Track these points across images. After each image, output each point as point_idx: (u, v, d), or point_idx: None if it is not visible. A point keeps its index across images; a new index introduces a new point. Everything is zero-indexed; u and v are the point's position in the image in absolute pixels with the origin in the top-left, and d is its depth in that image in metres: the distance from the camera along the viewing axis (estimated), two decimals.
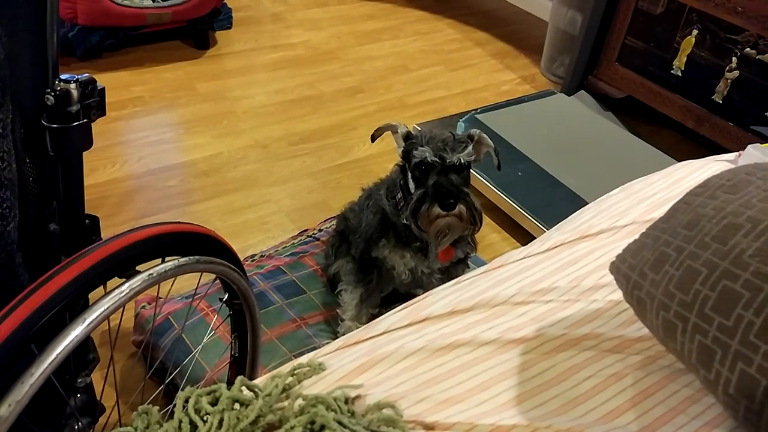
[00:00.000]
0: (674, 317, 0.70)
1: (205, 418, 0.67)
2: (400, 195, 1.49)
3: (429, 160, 1.36)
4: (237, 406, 0.69)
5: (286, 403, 0.71)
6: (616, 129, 2.71)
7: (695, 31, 2.50)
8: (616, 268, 0.83)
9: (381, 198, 1.55)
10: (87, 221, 1.02)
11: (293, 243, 1.96)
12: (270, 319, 1.64)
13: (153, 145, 2.45)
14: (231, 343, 1.25)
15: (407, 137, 1.45)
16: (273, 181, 2.34)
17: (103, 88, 0.96)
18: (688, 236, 0.72)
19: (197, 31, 3.04)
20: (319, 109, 2.78)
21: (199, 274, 1.08)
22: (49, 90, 0.89)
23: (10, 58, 0.87)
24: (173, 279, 1.00)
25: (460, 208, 1.35)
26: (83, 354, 1.10)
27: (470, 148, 1.39)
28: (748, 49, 2.35)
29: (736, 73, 2.40)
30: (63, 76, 0.90)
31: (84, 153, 0.98)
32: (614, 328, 0.89)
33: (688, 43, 2.54)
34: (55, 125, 0.90)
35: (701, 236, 0.71)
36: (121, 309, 0.92)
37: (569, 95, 2.93)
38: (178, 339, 1.54)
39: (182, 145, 2.47)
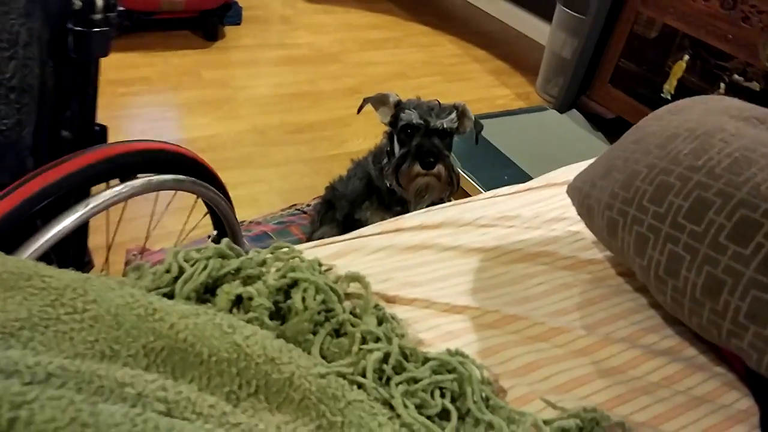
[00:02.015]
0: (617, 214, 0.78)
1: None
2: (386, 160, 1.57)
3: (414, 122, 1.45)
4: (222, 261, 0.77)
5: (264, 269, 0.79)
6: (603, 147, 2.81)
7: (686, 57, 2.60)
8: (571, 187, 0.91)
9: (368, 164, 1.64)
10: (97, 128, 1.10)
11: (282, 213, 2.04)
12: None
13: (155, 120, 2.54)
14: None
15: (398, 104, 1.55)
16: (267, 163, 2.42)
17: (124, 10, 1.05)
18: (635, 148, 0.81)
19: (207, 22, 3.15)
20: (318, 104, 2.88)
21: (185, 221, 1.19)
22: None
23: None
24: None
25: (439, 168, 1.43)
26: (81, 253, 1.17)
27: (453, 115, 1.48)
28: (736, 75, 2.44)
29: None
30: None
31: None
32: (569, 251, 0.97)
33: (679, 67, 2.62)
34: (79, 28, 0.98)
35: (645, 145, 0.80)
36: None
37: (561, 113, 3.03)
38: None
39: (183, 124, 2.56)
